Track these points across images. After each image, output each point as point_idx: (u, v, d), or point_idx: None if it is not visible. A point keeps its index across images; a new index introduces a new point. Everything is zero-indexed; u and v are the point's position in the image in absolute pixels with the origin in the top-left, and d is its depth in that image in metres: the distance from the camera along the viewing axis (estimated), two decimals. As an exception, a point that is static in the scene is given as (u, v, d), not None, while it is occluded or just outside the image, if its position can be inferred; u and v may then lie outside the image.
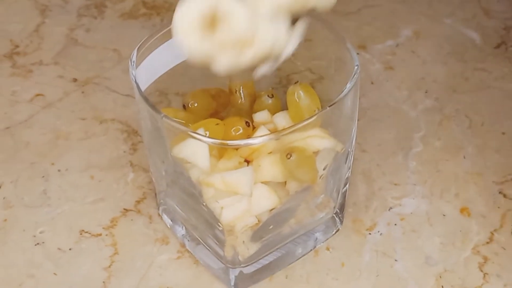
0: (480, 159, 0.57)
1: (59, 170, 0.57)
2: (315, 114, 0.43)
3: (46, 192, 0.56)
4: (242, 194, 0.45)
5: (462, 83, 0.64)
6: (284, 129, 0.42)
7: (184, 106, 0.51)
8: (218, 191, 0.45)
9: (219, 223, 0.46)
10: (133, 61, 0.47)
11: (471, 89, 0.63)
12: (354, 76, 0.45)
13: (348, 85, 0.45)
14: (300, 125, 0.43)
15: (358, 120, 0.50)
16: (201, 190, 0.46)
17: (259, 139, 0.43)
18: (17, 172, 0.57)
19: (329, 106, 0.43)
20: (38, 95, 0.63)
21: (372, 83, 0.64)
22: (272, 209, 0.46)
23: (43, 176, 0.57)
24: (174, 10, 0.70)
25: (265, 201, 0.46)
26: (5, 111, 0.62)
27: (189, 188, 0.47)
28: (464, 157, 0.58)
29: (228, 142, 0.44)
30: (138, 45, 0.48)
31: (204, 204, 0.46)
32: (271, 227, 0.47)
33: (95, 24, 0.70)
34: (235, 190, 0.44)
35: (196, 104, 0.50)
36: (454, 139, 0.59)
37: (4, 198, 0.55)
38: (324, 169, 0.47)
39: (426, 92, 0.63)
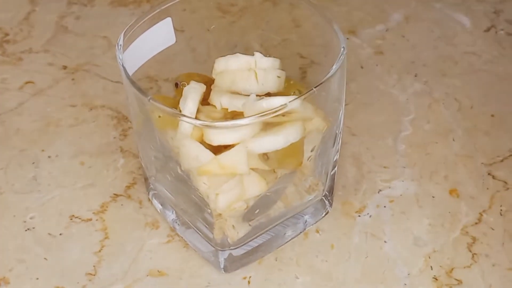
0: (469, 142, 0.57)
1: (49, 157, 0.57)
2: (302, 95, 0.43)
3: (36, 178, 0.56)
4: (240, 173, 0.44)
5: (452, 66, 0.64)
6: (271, 110, 0.42)
7: (176, 85, 0.50)
8: (212, 178, 0.45)
9: (208, 206, 0.47)
10: (120, 45, 0.47)
11: (460, 72, 0.63)
12: (340, 57, 0.45)
13: (334, 67, 0.45)
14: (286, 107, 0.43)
15: (347, 104, 0.50)
16: (190, 175, 0.46)
17: (247, 119, 0.43)
18: (7, 158, 0.57)
19: (315, 87, 0.43)
20: (28, 82, 0.63)
21: (362, 67, 0.64)
22: (259, 193, 0.47)
23: (33, 163, 0.57)
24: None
25: (254, 186, 0.46)
26: (-5, 99, 0.62)
27: (178, 173, 0.47)
28: (454, 140, 0.58)
29: (216, 123, 0.44)
30: (125, 29, 0.48)
31: (196, 189, 0.46)
32: (257, 211, 0.48)
33: (85, 11, 0.70)
34: (232, 171, 0.44)
35: (187, 85, 0.50)
36: (444, 122, 0.59)
37: (-6, 184, 0.55)
38: (312, 151, 0.47)
39: (415, 76, 0.63)
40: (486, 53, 0.65)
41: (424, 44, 0.66)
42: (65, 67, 0.64)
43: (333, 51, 0.48)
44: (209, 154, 0.44)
